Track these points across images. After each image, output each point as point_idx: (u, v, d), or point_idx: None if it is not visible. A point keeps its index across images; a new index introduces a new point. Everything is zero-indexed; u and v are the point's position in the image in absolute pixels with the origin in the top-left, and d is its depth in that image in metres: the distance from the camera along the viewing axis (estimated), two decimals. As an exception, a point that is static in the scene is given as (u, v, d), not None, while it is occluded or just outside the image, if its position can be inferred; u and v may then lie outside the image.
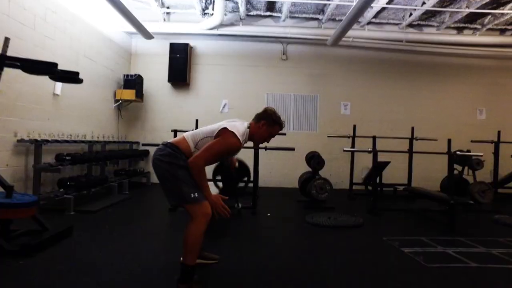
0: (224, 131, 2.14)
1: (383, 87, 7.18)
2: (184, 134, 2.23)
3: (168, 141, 2.17)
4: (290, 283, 2.35)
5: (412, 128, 5.99)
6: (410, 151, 5.57)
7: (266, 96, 7.08)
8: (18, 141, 3.88)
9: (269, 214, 4.49)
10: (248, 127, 2.30)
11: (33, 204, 2.89)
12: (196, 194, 2.03)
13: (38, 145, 4.01)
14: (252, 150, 4.51)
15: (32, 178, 4.03)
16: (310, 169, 5.31)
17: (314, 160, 5.03)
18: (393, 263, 2.80)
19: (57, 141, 4.35)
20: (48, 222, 3.45)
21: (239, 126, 2.23)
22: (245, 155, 5.93)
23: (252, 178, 4.57)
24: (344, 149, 5.20)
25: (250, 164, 4.46)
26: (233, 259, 2.76)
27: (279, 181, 6.87)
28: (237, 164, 2.90)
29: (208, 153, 2.07)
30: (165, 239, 3.42)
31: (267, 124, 2.31)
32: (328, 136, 6.32)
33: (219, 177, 4.17)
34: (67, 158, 4.30)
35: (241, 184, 4.42)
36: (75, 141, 4.75)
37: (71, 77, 3.08)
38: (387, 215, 4.54)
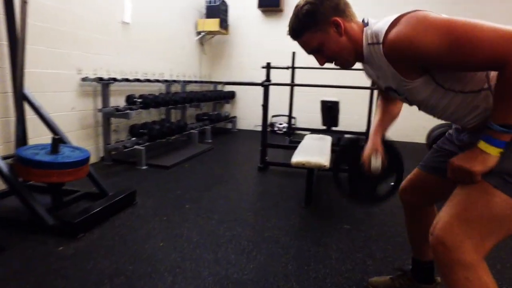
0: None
1: None
2: None
3: None
4: None
5: None
6: None
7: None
8: (83, 79, 3.25)
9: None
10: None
11: (81, 163, 2.19)
12: None
13: (104, 84, 3.34)
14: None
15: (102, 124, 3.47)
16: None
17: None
18: None
19: (127, 80, 3.64)
20: (111, 181, 2.86)
21: None
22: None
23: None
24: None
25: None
26: None
27: (405, 135, 5.10)
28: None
29: None
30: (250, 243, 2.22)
31: None
32: None
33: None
34: (138, 100, 3.61)
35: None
36: (149, 80, 4.03)
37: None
38: None
